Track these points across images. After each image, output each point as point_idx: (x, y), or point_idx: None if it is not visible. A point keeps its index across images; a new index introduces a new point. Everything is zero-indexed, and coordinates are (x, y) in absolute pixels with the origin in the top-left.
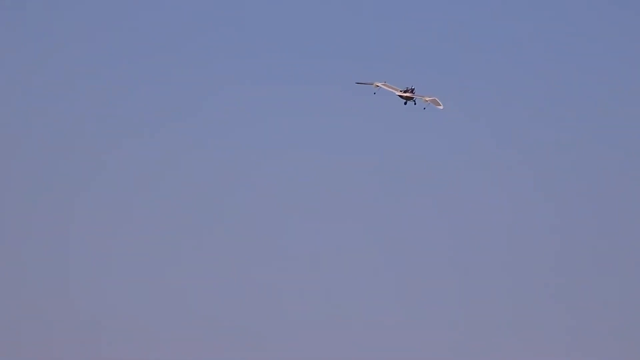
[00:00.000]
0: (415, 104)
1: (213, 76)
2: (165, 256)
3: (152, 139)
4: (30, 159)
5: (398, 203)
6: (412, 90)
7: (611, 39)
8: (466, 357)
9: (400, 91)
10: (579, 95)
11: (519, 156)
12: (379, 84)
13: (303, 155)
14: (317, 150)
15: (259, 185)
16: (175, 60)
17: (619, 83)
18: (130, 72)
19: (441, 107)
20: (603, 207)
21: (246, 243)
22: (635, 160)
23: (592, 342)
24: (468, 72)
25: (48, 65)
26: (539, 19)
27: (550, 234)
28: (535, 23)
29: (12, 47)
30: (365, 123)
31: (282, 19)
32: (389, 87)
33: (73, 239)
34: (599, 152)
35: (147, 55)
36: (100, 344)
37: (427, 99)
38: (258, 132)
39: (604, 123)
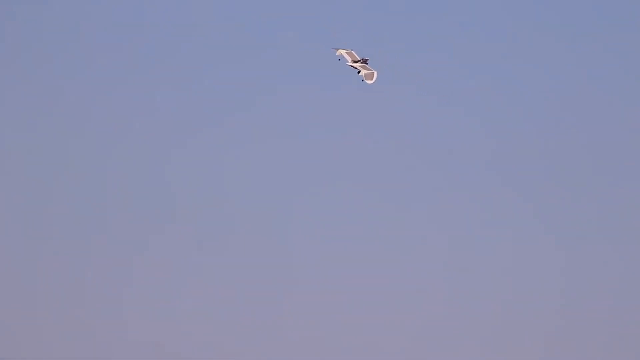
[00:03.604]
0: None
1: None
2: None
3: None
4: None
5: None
6: (364, 61)
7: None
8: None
9: (352, 61)
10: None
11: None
12: (342, 51)
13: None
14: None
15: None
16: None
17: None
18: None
19: (370, 82)
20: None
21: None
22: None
23: (591, 343)
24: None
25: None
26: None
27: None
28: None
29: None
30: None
31: None
32: (350, 55)
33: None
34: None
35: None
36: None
37: (365, 71)
38: None
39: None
